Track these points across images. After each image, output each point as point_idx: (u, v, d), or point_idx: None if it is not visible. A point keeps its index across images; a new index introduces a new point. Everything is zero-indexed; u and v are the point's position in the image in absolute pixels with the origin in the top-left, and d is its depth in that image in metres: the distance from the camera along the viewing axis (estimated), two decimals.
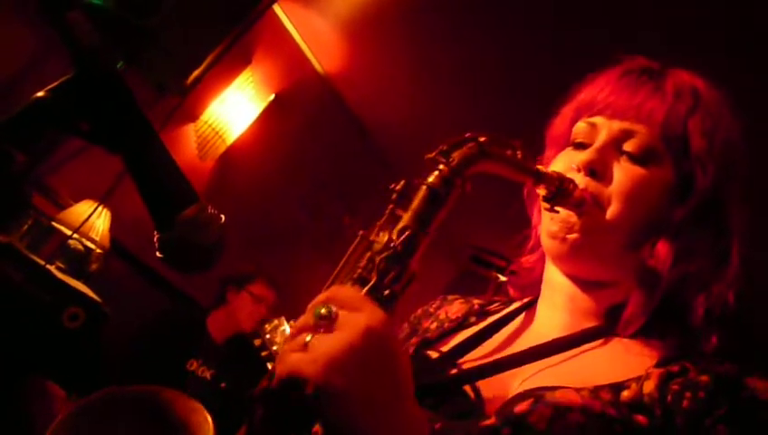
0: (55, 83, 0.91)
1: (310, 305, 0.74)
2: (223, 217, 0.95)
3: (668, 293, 0.97)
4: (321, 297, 0.75)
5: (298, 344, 0.71)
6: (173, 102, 3.40)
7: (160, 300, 3.66)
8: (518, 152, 0.96)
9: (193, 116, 3.89)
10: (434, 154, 0.87)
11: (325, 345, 0.69)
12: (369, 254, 0.81)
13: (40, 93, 0.90)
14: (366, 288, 0.78)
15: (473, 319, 1.18)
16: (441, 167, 0.85)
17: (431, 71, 3.77)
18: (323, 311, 0.72)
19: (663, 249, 0.98)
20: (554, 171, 1.00)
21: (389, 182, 0.86)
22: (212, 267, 0.95)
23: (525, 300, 1.16)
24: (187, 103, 3.64)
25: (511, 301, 1.21)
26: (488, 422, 0.84)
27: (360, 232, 0.84)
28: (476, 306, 1.22)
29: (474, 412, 0.90)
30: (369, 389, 0.69)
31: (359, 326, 0.70)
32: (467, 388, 0.95)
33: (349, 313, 0.72)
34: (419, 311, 1.26)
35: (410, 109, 4.14)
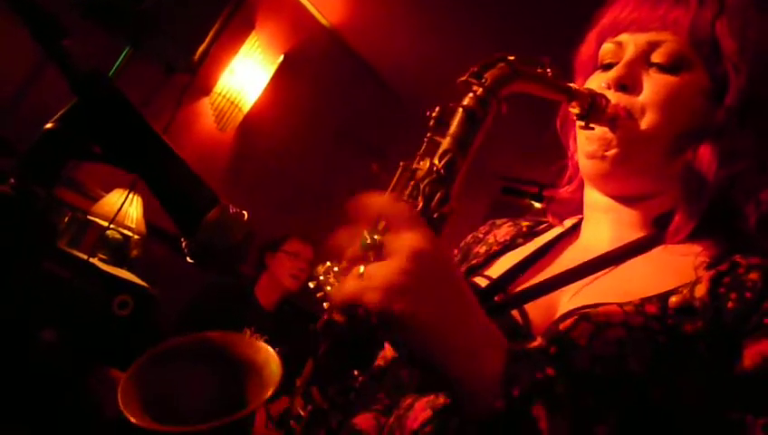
0: (61, 112, 0.92)
1: (360, 217, 0.75)
2: (246, 213, 0.95)
3: (716, 196, 0.95)
4: (370, 208, 0.75)
5: (353, 275, 0.71)
6: (184, 80, 3.39)
7: (205, 274, 3.71)
8: (548, 70, 0.94)
9: (206, 90, 3.89)
10: (466, 76, 0.85)
11: (381, 273, 0.69)
12: (413, 181, 0.81)
13: (49, 125, 0.90)
14: None
15: (520, 240, 1.18)
16: (475, 88, 0.84)
17: (435, 6, 3.71)
18: (368, 241, 0.72)
19: (706, 152, 0.96)
20: (586, 88, 0.99)
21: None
22: (243, 263, 0.96)
23: (573, 221, 1.16)
24: (199, 78, 3.64)
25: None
26: (535, 344, 0.85)
27: (402, 163, 0.84)
28: (524, 228, 1.22)
29: (521, 336, 0.91)
30: (434, 307, 0.70)
31: (406, 249, 0.70)
32: (515, 312, 0.96)
33: (395, 236, 0.72)
34: (469, 238, 1.27)
35: (420, 47, 4.09)
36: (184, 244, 0.94)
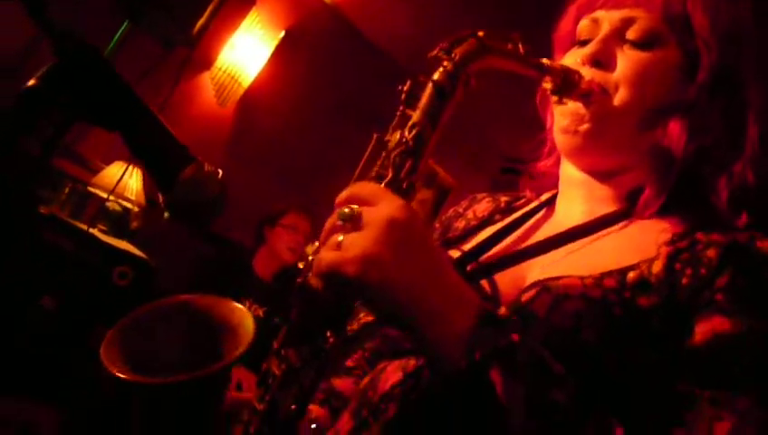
0: (43, 71, 0.95)
1: (335, 204, 0.79)
2: (220, 171, 1.00)
3: (686, 171, 0.98)
4: (343, 195, 0.79)
5: (331, 245, 0.76)
6: (183, 54, 3.41)
7: (204, 248, 3.75)
8: (519, 45, 0.96)
9: (207, 64, 3.91)
10: (436, 52, 0.89)
11: (357, 244, 0.74)
12: (384, 153, 0.85)
13: (31, 82, 0.94)
14: (384, 183, 0.82)
15: (498, 216, 1.21)
16: (445, 63, 0.87)
17: None
18: (346, 211, 0.76)
19: (675, 127, 0.98)
20: (559, 63, 1.01)
21: None
22: (217, 218, 1.01)
23: (548, 195, 1.18)
24: (199, 52, 3.65)
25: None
26: (499, 313, 0.89)
27: (375, 134, 0.87)
28: (503, 204, 1.24)
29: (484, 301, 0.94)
30: (408, 274, 0.74)
31: (382, 219, 0.75)
32: (484, 282, 0.99)
33: (370, 208, 0.76)
34: (450, 212, 1.30)
35: (421, 22, 4.08)
36: (161, 199, 0.99)
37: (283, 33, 4.12)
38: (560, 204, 1.13)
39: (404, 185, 0.82)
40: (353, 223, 0.76)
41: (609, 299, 0.84)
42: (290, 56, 4.18)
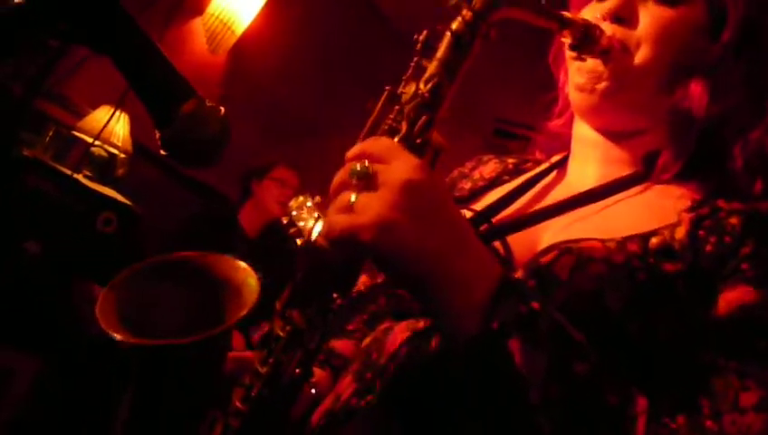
0: None
1: (346, 159, 0.74)
2: (222, 109, 0.92)
3: (705, 134, 0.95)
4: (355, 150, 0.75)
5: (343, 205, 0.72)
6: None
7: (191, 199, 3.69)
8: None
9: (199, 10, 3.82)
10: (455, 0, 0.84)
11: (373, 208, 0.70)
12: (397, 106, 0.81)
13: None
14: (397, 138, 0.78)
15: (506, 177, 1.18)
16: (464, 12, 0.83)
17: None
18: (358, 167, 0.72)
19: (697, 88, 0.95)
20: (580, 17, 0.97)
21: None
22: (218, 160, 0.94)
23: (558, 157, 1.15)
24: None
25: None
26: (515, 275, 0.86)
27: (387, 87, 0.83)
28: (511, 165, 1.22)
29: (503, 267, 0.91)
30: (426, 240, 0.71)
31: (399, 181, 0.71)
32: (497, 244, 0.96)
33: (386, 167, 0.72)
34: (455, 172, 1.26)
35: None
36: (158, 135, 0.91)
37: None
38: (572, 165, 1.10)
39: (418, 141, 0.78)
40: (367, 181, 0.71)
41: (633, 264, 0.82)
42: (285, 5, 4.08)
